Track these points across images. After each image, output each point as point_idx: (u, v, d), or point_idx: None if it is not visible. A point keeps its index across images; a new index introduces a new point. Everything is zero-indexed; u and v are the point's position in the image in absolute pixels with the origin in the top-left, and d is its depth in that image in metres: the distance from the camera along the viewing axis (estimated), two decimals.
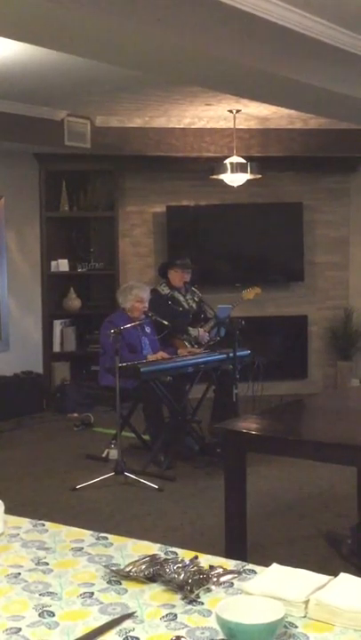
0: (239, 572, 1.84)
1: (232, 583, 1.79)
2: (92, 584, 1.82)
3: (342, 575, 1.76)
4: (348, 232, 8.52)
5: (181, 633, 1.57)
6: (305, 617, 1.63)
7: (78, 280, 8.16)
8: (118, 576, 1.84)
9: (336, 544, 4.04)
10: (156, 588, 1.77)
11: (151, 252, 8.26)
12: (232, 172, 7.05)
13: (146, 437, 6.10)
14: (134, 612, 1.66)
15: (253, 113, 7.22)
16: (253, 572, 1.85)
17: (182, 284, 6.43)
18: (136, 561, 1.87)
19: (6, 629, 1.60)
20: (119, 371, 5.25)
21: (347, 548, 3.94)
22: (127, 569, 1.84)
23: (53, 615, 1.66)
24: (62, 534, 2.13)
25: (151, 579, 1.80)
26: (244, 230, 8.28)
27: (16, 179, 7.63)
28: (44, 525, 2.19)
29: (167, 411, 5.99)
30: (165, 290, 6.42)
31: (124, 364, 5.42)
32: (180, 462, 5.78)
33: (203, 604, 1.70)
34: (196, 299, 6.52)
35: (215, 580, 1.79)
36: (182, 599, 1.71)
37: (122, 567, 1.87)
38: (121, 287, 6.50)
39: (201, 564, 1.84)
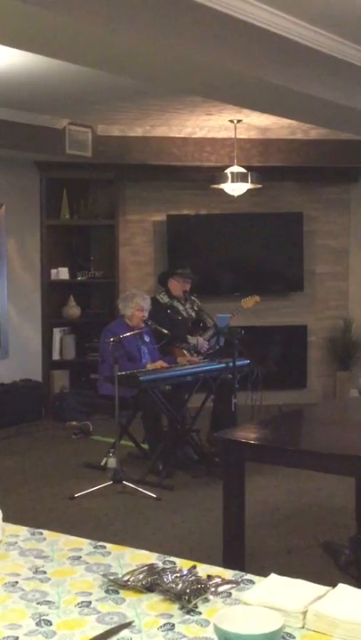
0: (237, 582, 1.84)
1: (230, 593, 1.79)
2: (90, 593, 1.81)
3: (341, 586, 1.76)
4: (347, 242, 8.53)
5: None
6: (303, 628, 1.62)
7: (78, 288, 8.16)
8: (116, 585, 1.83)
9: (334, 555, 4.03)
10: (153, 598, 1.77)
11: (151, 261, 8.26)
12: (233, 181, 7.07)
13: (144, 446, 6.09)
14: (132, 622, 1.66)
15: (254, 123, 7.24)
16: (251, 582, 1.85)
17: (182, 293, 6.43)
18: (134, 570, 1.86)
19: (3, 638, 1.59)
20: (118, 379, 5.25)
21: (345, 559, 3.93)
22: (125, 578, 1.84)
23: (51, 624, 1.66)
24: (60, 543, 2.13)
25: (149, 588, 1.80)
26: (244, 240, 8.29)
27: (17, 186, 7.64)
28: (41, 534, 2.19)
29: (166, 420, 5.98)
30: (165, 298, 6.42)
31: (124, 373, 5.42)
32: (179, 471, 5.77)
33: (201, 613, 1.69)
34: (195, 307, 6.51)
35: (213, 589, 1.79)
36: (180, 609, 1.71)
37: (120, 576, 1.86)
38: (123, 294, 6.50)
39: (199, 574, 1.83)
